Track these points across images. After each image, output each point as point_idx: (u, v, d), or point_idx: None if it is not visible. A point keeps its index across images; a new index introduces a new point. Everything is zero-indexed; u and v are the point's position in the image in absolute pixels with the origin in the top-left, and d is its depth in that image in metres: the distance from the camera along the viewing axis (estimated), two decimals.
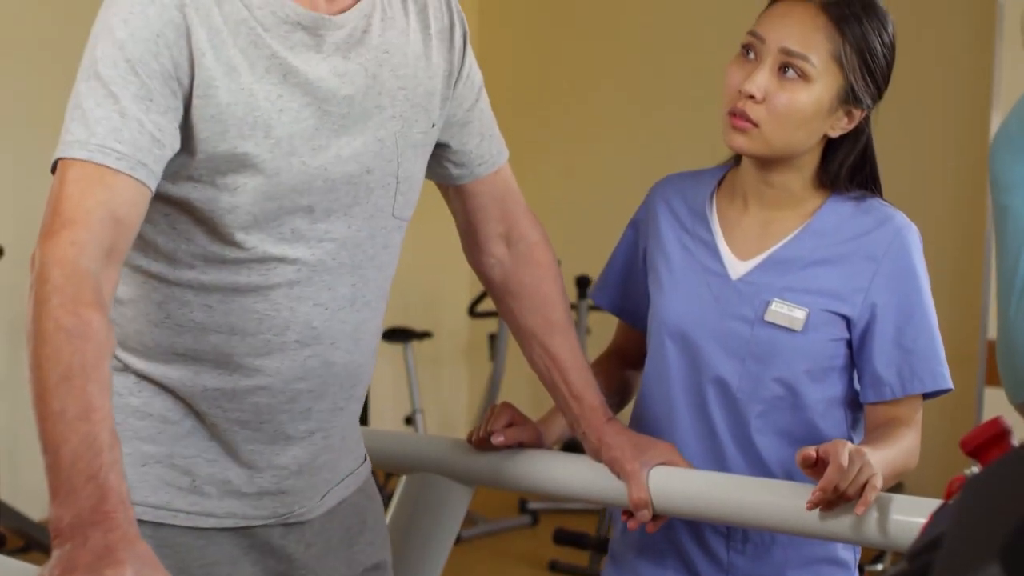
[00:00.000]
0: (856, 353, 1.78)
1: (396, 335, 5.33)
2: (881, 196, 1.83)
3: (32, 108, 4.67)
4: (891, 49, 1.78)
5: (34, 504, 4.46)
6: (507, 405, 1.88)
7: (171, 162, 1.50)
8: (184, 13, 1.48)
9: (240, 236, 1.54)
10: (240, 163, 1.51)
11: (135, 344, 1.61)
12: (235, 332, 1.58)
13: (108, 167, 1.43)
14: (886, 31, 1.77)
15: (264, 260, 1.56)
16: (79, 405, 1.34)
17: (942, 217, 5.07)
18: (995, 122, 4.59)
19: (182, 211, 1.54)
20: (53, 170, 1.46)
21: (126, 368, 1.62)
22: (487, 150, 1.79)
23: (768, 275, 1.78)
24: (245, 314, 1.58)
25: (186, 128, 1.50)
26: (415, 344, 5.53)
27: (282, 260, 1.57)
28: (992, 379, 4.50)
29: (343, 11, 1.58)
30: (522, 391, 4.70)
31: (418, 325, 5.73)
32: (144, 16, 1.46)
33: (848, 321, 1.76)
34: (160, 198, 1.53)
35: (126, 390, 1.62)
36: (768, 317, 1.76)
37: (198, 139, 1.50)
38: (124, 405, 1.61)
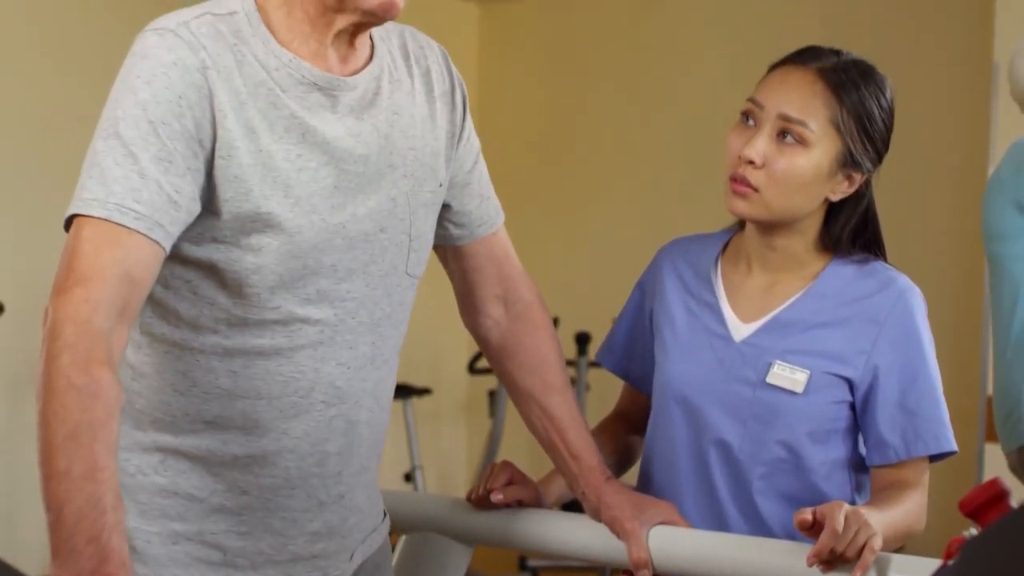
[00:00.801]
0: (860, 415, 1.78)
1: (396, 391, 5.30)
2: (885, 259, 1.84)
3: (34, 167, 4.69)
4: (890, 113, 1.79)
5: (32, 561, 4.44)
6: (507, 463, 1.88)
7: (196, 224, 1.51)
8: (206, 76, 1.50)
9: (265, 297, 1.55)
10: (264, 222, 1.53)
11: (161, 415, 1.61)
12: (261, 396, 1.58)
13: (125, 226, 1.44)
14: (884, 96, 1.79)
15: (288, 322, 1.57)
16: (85, 464, 1.35)
17: (941, 275, 5.07)
18: None
19: (205, 275, 1.55)
20: (66, 226, 1.47)
21: (152, 447, 1.62)
22: (486, 211, 1.82)
23: (771, 337, 1.79)
24: (270, 377, 1.58)
25: (209, 189, 1.51)
26: (415, 400, 5.51)
27: (306, 321, 1.58)
28: (992, 436, 4.49)
29: (355, 72, 1.61)
30: (522, 448, 4.69)
31: (417, 381, 5.72)
32: (167, 78, 1.48)
33: (851, 383, 1.76)
34: (182, 263, 1.54)
35: (151, 469, 1.61)
36: (770, 379, 1.76)
37: (222, 199, 1.51)
38: (150, 484, 1.61)
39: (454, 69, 1.76)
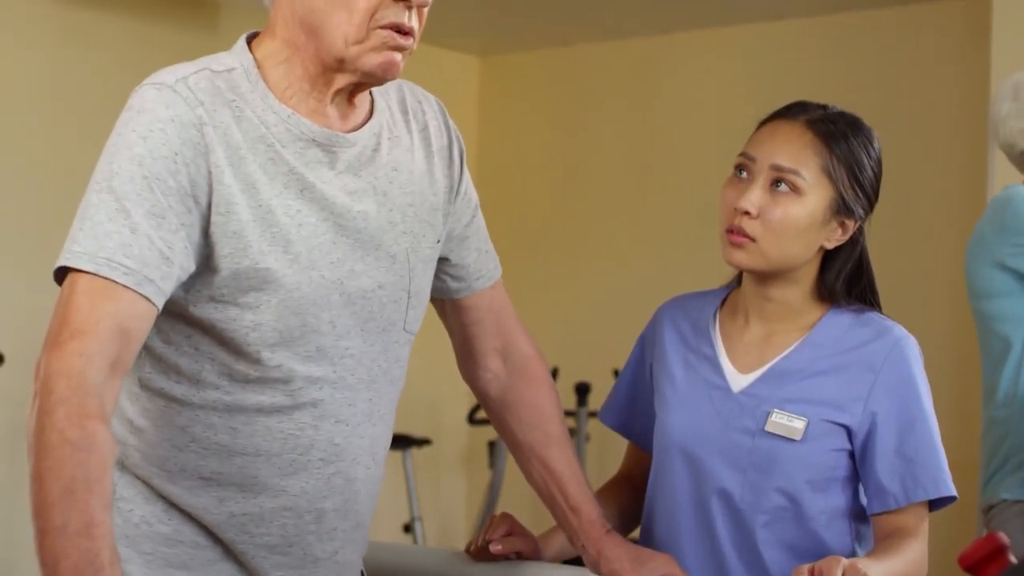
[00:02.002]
0: (859, 463, 1.78)
1: (395, 442, 5.23)
2: (880, 308, 1.86)
3: (34, 217, 4.70)
4: (878, 163, 1.82)
5: None
6: (506, 515, 1.88)
7: (194, 282, 1.51)
8: (203, 132, 1.50)
9: (266, 354, 1.55)
10: (262, 279, 1.52)
11: (159, 469, 1.60)
12: (260, 453, 1.58)
13: (116, 281, 1.43)
14: (872, 146, 1.82)
15: (289, 379, 1.57)
16: (81, 520, 1.33)
17: (941, 326, 5.08)
18: None
19: (205, 333, 1.55)
20: (56, 277, 1.47)
21: (155, 496, 1.61)
22: (484, 265, 1.82)
23: (768, 387, 1.80)
24: (270, 434, 1.58)
25: (207, 246, 1.51)
26: (414, 451, 5.50)
27: (306, 378, 1.58)
28: None
29: (355, 129, 1.61)
30: (522, 500, 4.67)
31: (417, 431, 5.71)
32: (164, 134, 1.48)
33: (849, 431, 1.77)
34: (182, 320, 1.54)
35: (155, 518, 1.61)
36: (768, 427, 1.77)
37: (220, 255, 1.51)
38: (154, 534, 1.60)
39: (451, 123, 1.76)
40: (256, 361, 1.55)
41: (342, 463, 1.63)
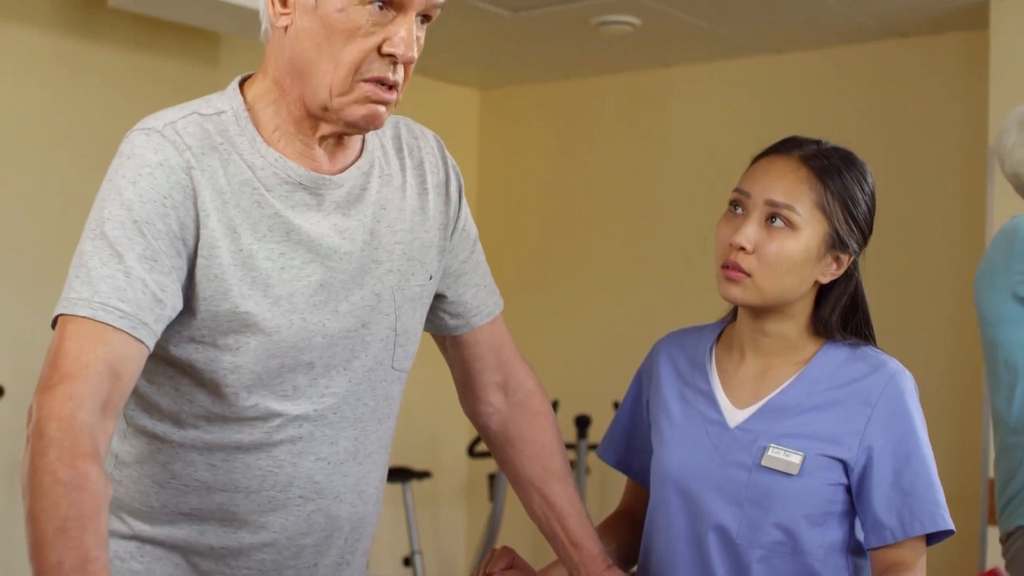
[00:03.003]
0: (856, 498, 1.78)
1: (395, 475, 5.30)
2: (875, 341, 1.86)
3: (34, 252, 4.71)
4: (872, 197, 1.83)
5: None
6: (506, 549, 1.88)
7: (173, 322, 1.52)
8: (191, 176, 1.51)
9: (243, 395, 1.56)
10: (241, 322, 1.53)
11: (140, 505, 1.61)
12: (239, 490, 1.59)
13: (109, 325, 1.44)
14: (866, 181, 1.83)
15: (267, 417, 1.57)
16: (76, 556, 1.34)
17: (941, 360, 5.08)
18: None
19: (184, 373, 1.56)
20: (53, 325, 1.48)
21: (129, 534, 1.62)
22: (483, 300, 1.82)
23: (765, 422, 1.80)
24: (249, 471, 1.58)
25: (190, 287, 1.52)
26: (414, 484, 5.49)
27: (283, 416, 1.58)
28: (994, 519, 4.46)
29: (344, 169, 1.62)
30: (522, 532, 4.66)
31: (417, 465, 5.70)
32: (152, 178, 1.49)
33: (845, 465, 1.77)
34: (163, 360, 1.55)
35: (128, 555, 1.62)
36: (765, 462, 1.77)
37: (200, 298, 1.52)
38: (126, 570, 1.61)
39: (449, 158, 1.77)
40: (233, 402, 1.56)
41: (323, 500, 1.63)
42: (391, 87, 1.54)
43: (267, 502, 1.60)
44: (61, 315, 1.46)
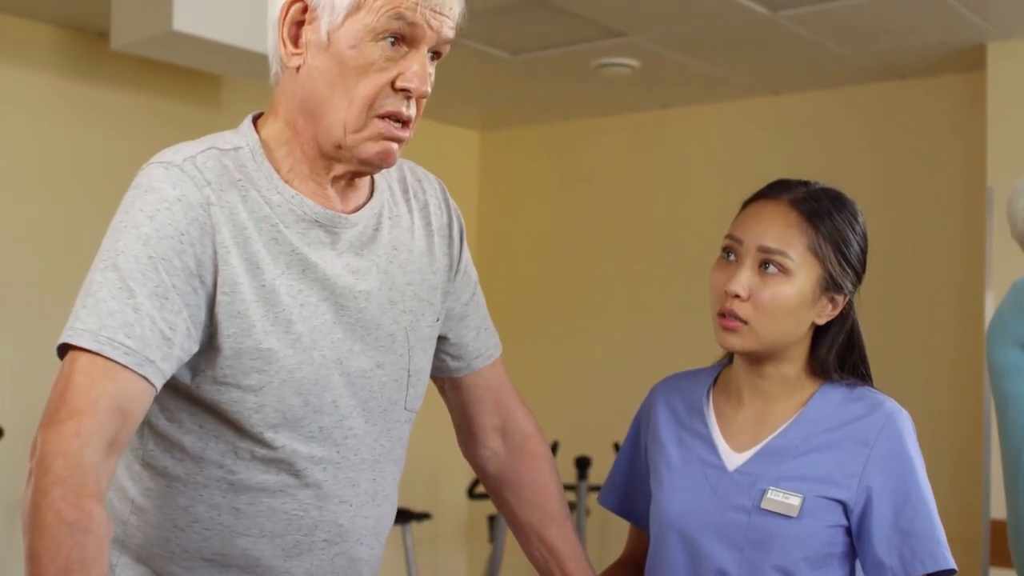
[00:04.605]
0: (856, 539, 1.77)
1: (395, 515, 5.27)
2: (871, 380, 1.86)
3: (34, 291, 4.71)
4: (863, 236, 1.84)
5: None
6: None
7: (197, 362, 1.50)
8: (210, 212, 1.49)
9: (269, 435, 1.54)
10: (264, 359, 1.52)
11: (160, 550, 1.58)
12: (264, 534, 1.56)
13: (116, 361, 1.42)
14: (857, 221, 1.83)
15: (292, 460, 1.56)
16: None
17: (942, 402, 5.07)
18: (989, 303, 4.64)
19: (209, 412, 1.54)
20: (59, 352, 1.46)
21: None
22: (483, 343, 1.82)
23: (763, 465, 1.79)
24: (274, 515, 1.56)
25: (212, 325, 1.50)
26: (414, 525, 5.46)
27: (310, 459, 1.57)
28: (996, 560, 4.44)
29: (356, 209, 1.62)
30: (521, 574, 4.64)
31: (416, 505, 5.68)
32: (170, 213, 1.48)
33: (844, 506, 1.76)
34: (187, 399, 1.53)
35: None
36: (764, 505, 1.76)
37: (224, 335, 1.50)
38: None
39: (452, 202, 1.77)
40: (260, 441, 1.54)
41: (346, 543, 1.62)
42: (405, 123, 1.54)
43: (292, 546, 1.57)
44: (68, 346, 1.44)
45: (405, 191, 1.71)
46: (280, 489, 1.56)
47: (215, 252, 1.49)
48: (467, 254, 1.79)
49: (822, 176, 1.88)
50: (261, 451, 1.54)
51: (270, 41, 1.58)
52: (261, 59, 1.68)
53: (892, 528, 1.75)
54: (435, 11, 1.52)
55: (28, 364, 4.59)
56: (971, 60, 4.98)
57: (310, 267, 1.55)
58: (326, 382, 1.56)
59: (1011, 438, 2.75)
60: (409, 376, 1.66)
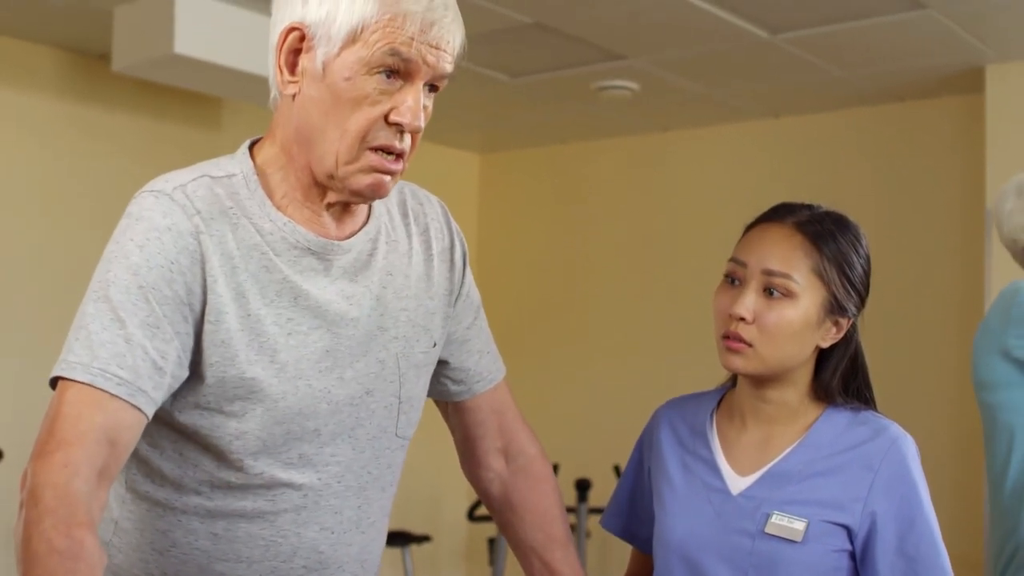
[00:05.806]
0: (860, 564, 1.77)
1: (394, 538, 5.26)
2: (875, 404, 1.86)
3: (34, 315, 4.71)
4: (866, 259, 1.84)
5: None
6: None
7: (181, 388, 1.50)
8: (199, 240, 1.49)
9: (248, 462, 1.53)
10: (248, 388, 1.51)
11: (139, 573, 1.59)
12: (241, 559, 1.56)
13: (107, 392, 1.42)
14: (860, 243, 1.83)
15: (271, 486, 1.55)
16: None
17: (943, 424, 5.06)
18: None
19: (188, 438, 1.54)
20: (52, 385, 1.46)
21: None
22: (486, 367, 1.81)
23: (767, 489, 1.79)
24: (251, 541, 1.56)
25: (197, 352, 1.50)
26: (413, 547, 5.45)
27: (289, 485, 1.56)
28: None
29: (352, 235, 1.61)
30: None
31: (416, 528, 5.66)
32: (160, 243, 1.47)
33: (849, 531, 1.76)
34: (167, 425, 1.53)
35: None
36: (768, 529, 1.76)
37: (207, 363, 1.50)
38: None
39: (454, 224, 1.77)
40: (239, 469, 1.54)
41: (327, 571, 1.61)
42: (398, 156, 1.53)
43: (269, 573, 1.57)
44: (60, 378, 1.44)
45: (405, 215, 1.71)
46: (258, 515, 1.56)
47: (204, 281, 1.49)
48: (470, 278, 1.78)
49: (822, 199, 1.88)
50: (239, 479, 1.54)
51: (270, 65, 1.58)
52: (262, 82, 1.67)
53: (896, 553, 1.74)
54: (432, 46, 1.51)
55: (30, 386, 4.58)
56: (970, 82, 5.00)
57: (302, 295, 1.55)
58: (310, 411, 1.55)
59: (997, 449, 2.73)
60: (400, 403, 1.65)
